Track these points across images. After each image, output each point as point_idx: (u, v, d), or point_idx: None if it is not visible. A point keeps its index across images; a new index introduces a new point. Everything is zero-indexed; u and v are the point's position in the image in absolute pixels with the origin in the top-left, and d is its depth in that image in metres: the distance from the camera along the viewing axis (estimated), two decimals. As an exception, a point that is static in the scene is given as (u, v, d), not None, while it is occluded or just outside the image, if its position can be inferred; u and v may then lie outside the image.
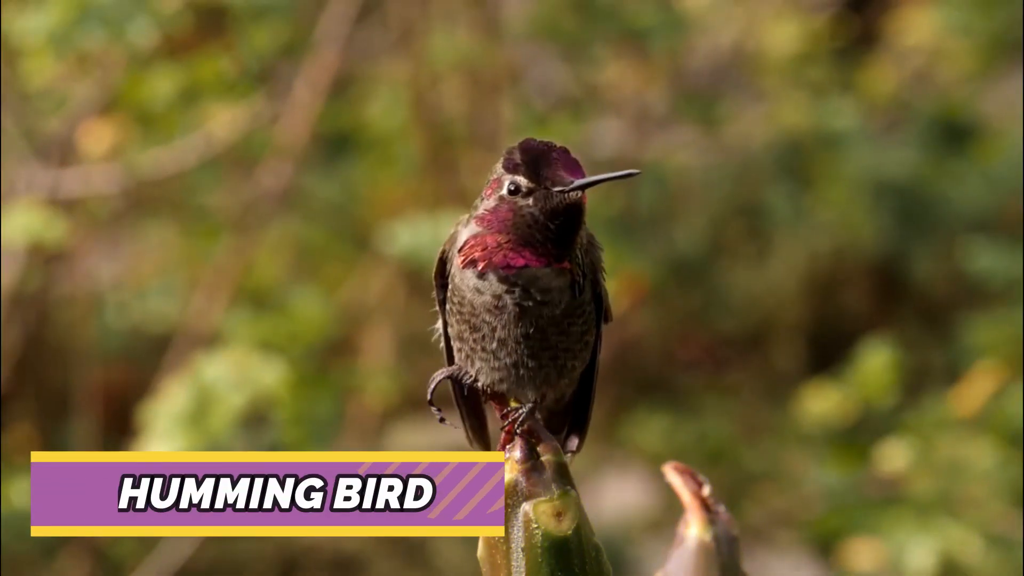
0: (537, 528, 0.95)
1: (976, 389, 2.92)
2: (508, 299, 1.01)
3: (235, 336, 2.58)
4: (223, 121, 2.64)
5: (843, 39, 4.32)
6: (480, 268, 1.02)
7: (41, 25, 2.34)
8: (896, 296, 4.18)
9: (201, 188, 3.40)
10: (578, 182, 1.01)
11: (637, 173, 1.04)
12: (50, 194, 2.57)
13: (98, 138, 2.69)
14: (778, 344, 4.11)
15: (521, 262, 1.01)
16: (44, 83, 2.60)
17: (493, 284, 1.01)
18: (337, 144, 3.63)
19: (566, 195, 1.01)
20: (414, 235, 2.40)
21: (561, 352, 1.02)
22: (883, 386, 2.98)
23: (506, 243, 1.01)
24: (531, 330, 1.01)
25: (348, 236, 3.63)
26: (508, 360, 1.02)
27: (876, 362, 2.98)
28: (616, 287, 3.27)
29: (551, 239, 1.01)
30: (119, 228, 3.61)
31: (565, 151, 1.02)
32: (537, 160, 1.01)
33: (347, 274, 3.71)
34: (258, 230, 2.96)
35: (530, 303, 1.01)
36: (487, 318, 1.02)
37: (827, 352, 3.72)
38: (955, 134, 4.08)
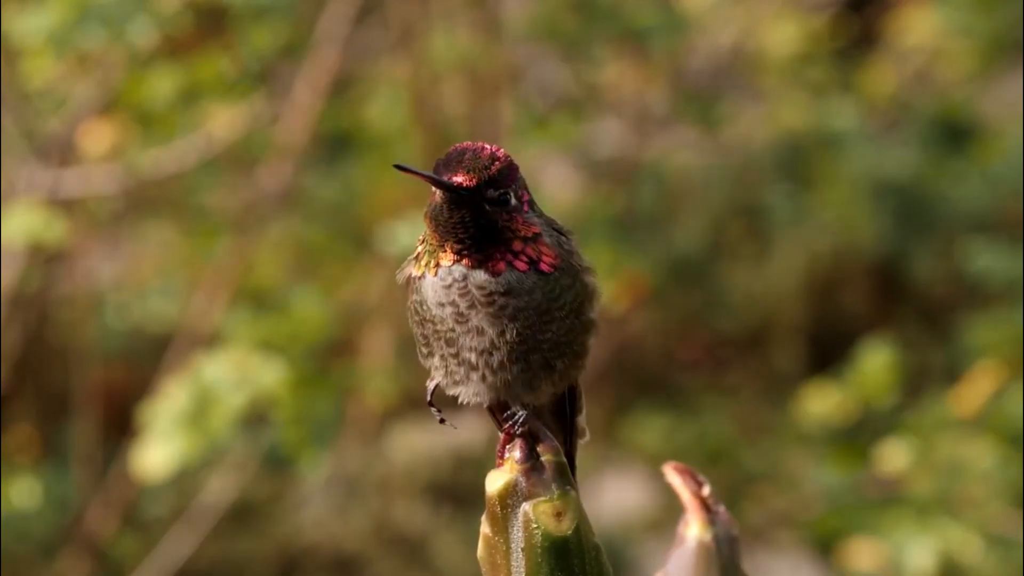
0: (537, 528, 0.95)
1: (976, 389, 2.92)
2: (460, 303, 0.98)
3: (235, 336, 2.58)
4: (223, 121, 2.64)
5: (843, 39, 4.32)
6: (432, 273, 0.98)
7: (41, 25, 2.34)
8: (896, 296, 4.18)
9: (201, 188, 3.40)
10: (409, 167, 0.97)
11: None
12: (50, 194, 2.57)
13: (98, 138, 2.69)
14: (778, 344, 4.11)
15: (451, 262, 0.97)
16: (44, 83, 2.60)
17: (439, 291, 0.98)
18: (337, 144, 3.63)
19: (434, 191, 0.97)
20: (414, 235, 2.40)
21: (535, 355, 0.98)
22: (883, 386, 2.97)
23: (438, 246, 0.98)
24: (491, 335, 0.97)
25: (348, 236, 3.63)
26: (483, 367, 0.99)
27: (876, 362, 2.98)
28: (616, 287, 3.28)
29: (462, 235, 0.97)
30: (119, 228, 3.61)
31: (465, 151, 0.97)
32: (441, 163, 0.98)
33: (347, 274, 3.71)
34: (258, 230, 2.96)
35: (475, 304, 0.97)
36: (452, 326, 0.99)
37: (827, 352, 3.72)
38: (955, 134, 4.08)
